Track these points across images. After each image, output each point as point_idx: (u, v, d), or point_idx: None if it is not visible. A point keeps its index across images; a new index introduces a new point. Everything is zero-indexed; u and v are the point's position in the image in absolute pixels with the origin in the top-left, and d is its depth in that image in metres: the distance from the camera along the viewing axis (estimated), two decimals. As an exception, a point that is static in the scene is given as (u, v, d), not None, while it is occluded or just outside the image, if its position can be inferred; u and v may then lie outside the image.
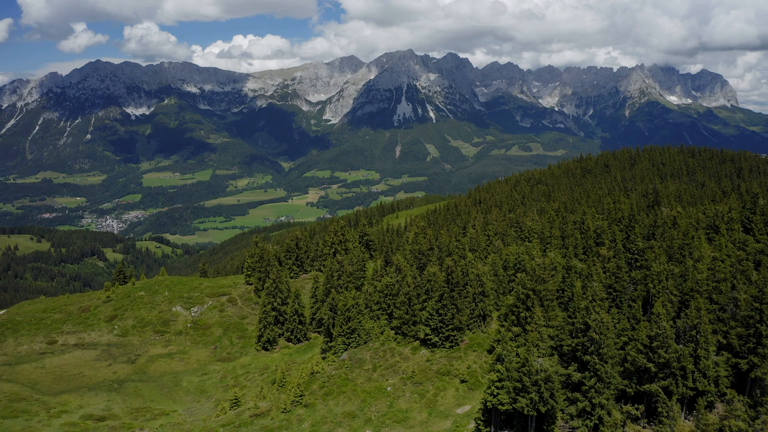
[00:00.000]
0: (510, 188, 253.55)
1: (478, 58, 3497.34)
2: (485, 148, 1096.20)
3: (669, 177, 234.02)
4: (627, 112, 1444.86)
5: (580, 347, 59.63)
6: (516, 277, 79.99)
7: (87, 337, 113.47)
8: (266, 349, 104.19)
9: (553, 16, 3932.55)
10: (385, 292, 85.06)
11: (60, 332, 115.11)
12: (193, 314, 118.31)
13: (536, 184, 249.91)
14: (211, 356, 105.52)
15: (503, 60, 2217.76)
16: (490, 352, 73.49)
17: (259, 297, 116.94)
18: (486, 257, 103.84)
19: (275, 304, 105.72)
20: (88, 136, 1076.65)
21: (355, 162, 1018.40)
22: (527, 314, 66.82)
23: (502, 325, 71.65)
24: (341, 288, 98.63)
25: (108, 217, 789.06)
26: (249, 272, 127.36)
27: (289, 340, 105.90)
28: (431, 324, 75.56)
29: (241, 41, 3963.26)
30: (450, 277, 74.93)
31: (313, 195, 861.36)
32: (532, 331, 60.30)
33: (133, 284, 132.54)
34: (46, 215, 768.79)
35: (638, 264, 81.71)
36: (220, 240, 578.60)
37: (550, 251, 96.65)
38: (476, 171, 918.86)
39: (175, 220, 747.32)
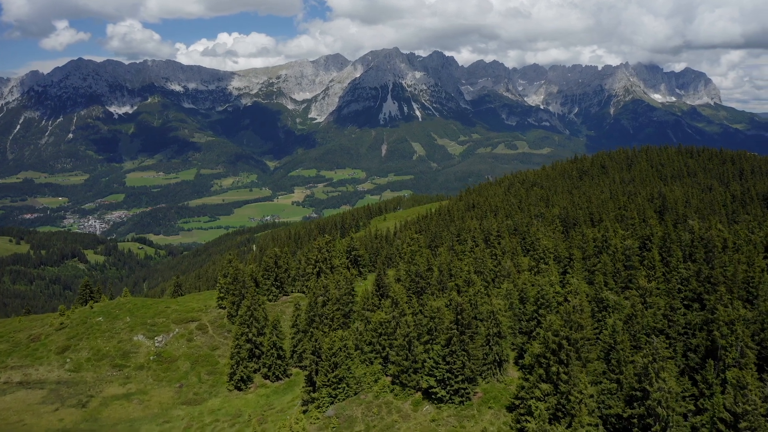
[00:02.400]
0: (504, 191, 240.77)
1: (464, 57, 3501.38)
2: (471, 147, 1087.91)
3: (669, 179, 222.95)
4: (612, 110, 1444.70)
5: (636, 419, 46.09)
6: (538, 314, 66.15)
7: (34, 373, 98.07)
8: (239, 389, 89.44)
9: (539, 14, 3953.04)
10: (379, 330, 70.67)
11: (4, 367, 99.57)
12: (157, 344, 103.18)
13: (531, 186, 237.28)
14: (176, 397, 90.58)
15: (489, 58, 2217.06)
16: (510, 409, 59.65)
17: (233, 324, 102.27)
18: (494, 280, 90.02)
19: (250, 335, 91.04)
20: (70, 135, 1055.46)
21: (341, 161, 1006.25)
22: (560, 369, 53.01)
23: (526, 379, 57.83)
24: (326, 318, 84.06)
25: (90, 217, 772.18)
26: (222, 295, 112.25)
27: (266, 377, 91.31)
28: (437, 374, 61.55)
29: (225, 39, 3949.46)
30: (460, 317, 60.92)
31: (299, 194, 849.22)
32: (575, 401, 46.61)
33: (91, 308, 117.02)
34: (28, 216, 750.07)
35: (682, 295, 68.28)
36: (204, 240, 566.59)
37: (571, 276, 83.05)
38: (462, 169, 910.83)
39: (159, 220, 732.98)
